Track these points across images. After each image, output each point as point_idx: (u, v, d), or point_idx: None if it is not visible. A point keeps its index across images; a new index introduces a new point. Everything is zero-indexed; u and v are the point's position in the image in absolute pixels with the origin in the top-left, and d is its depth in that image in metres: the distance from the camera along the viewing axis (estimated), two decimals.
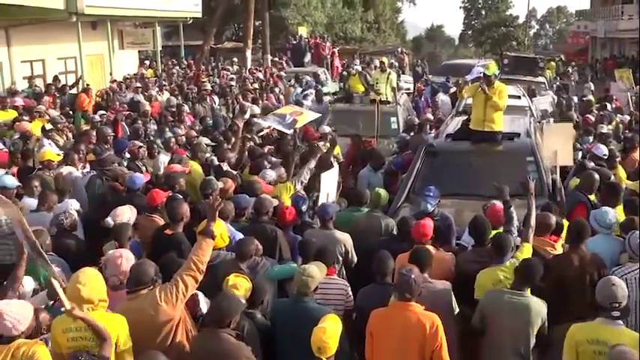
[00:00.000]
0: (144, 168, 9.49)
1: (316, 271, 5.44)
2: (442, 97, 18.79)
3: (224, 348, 4.63)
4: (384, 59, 16.72)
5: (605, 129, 12.13)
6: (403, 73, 27.54)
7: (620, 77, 18.86)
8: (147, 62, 26.53)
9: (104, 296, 4.69)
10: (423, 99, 19.17)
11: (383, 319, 5.14)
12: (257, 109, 14.00)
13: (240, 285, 5.19)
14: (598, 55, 43.01)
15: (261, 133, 11.94)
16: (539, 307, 5.41)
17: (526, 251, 6.03)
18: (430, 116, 15.02)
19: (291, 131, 9.96)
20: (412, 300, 5.04)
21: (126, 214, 6.99)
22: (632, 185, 8.24)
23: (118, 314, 4.70)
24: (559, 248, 6.47)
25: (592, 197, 7.97)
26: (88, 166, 9.51)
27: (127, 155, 9.96)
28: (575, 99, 17.99)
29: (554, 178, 9.18)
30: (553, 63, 25.67)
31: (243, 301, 4.95)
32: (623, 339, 4.64)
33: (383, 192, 8.15)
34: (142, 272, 4.99)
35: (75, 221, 6.99)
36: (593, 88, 22.07)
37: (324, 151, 9.91)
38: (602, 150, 9.72)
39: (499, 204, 6.96)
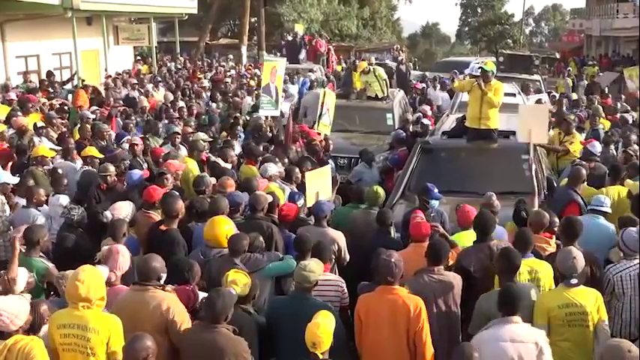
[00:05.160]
0: (145, 165, 9.47)
1: (316, 266, 5.49)
2: (440, 94, 18.88)
3: (223, 343, 4.66)
4: (364, 63, 16.46)
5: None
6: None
7: (629, 76, 19.05)
8: (139, 58, 26.45)
9: (102, 294, 4.69)
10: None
11: (370, 303, 5.29)
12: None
13: (239, 281, 5.22)
14: (593, 53, 43.01)
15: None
16: (532, 291, 5.46)
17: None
18: (427, 109, 15.10)
19: (278, 112, 10.70)
20: (395, 283, 5.23)
21: (124, 209, 6.99)
22: (632, 186, 8.23)
23: (113, 315, 4.70)
24: (553, 244, 6.51)
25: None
26: (79, 161, 9.47)
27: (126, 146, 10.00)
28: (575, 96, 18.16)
29: (550, 177, 9.22)
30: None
31: (234, 292, 4.97)
32: (589, 296, 5.25)
33: (379, 189, 8.14)
34: (150, 267, 5.06)
35: (84, 217, 6.96)
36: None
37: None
38: (597, 147, 9.74)
39: (469, 205, 7.04)
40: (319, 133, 11.72)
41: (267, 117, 12.35)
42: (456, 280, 5.72)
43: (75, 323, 4.53)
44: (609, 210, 7.14)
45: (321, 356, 4.59)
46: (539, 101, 15.90)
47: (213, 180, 8.10)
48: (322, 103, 12.22)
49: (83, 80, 18.16)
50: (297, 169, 8.85)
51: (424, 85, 20.46)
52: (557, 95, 18.13)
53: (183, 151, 10.04)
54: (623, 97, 18.48)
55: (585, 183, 8.10)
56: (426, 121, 13.01)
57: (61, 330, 4.55)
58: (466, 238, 6.67)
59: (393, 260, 5.24)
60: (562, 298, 5.25)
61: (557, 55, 40.81)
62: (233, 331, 4.75)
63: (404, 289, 5.29)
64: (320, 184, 8.26)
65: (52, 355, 4.57)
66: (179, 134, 10.65)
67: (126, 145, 10.10)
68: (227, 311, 4.76)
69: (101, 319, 4.59)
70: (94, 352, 4.52)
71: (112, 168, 8.41)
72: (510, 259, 5.48)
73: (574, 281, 5.29)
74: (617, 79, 23.87)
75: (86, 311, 4.55)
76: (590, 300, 5.25)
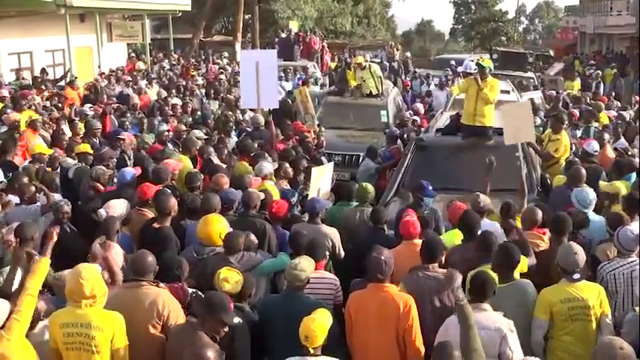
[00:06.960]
0: (131, 162, 9.42)
1: (307, 264, 5.47)
2: (435, 91, 18.96)
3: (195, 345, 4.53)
4: (361, 58, 16.53)
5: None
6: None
7: None
8: (133, 55, 26.37)
9: (105, 289, 4.72)
10: (409, 93, 19.47)
11: (360, 300, 5.31)
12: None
13: (231, 278, 5.22)
14: (587, 50, 43.05)
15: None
16: (529, 288, 5.43)
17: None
18: (420, 107, 15.14)
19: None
20: (385, 280, 5.24)
21: (119, 207, 6.94)
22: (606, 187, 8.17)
23: (115, 312, 4.69)
24: (547, 240, 6.50)
25: None
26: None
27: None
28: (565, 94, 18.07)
29: (543, 175, 9.21)
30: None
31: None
32: (591, 290, 5.28)
33: (369, 186, 8.11)
34: (147, 262, 5.09)
35: (69, 212, 6.95)
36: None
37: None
38: (594, 146, 9.58)
39: (460, 202, 7.02)
40: (309, 131, 11.71)
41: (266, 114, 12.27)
42: (454, 274, 5.64)
43: (78, 322, 4.54)
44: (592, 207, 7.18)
45: (312, 351, 4.57)
46: (531, 99, 15.91)
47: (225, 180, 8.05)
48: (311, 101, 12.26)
49: (75, 77, 18.09)
50: (286, 165, 8.84)
51: (433, 83, 20.53)
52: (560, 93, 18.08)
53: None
54: (612, 94, 18.52)
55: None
56: (417, 118, 13.08)
57: (64, 329, 4.55)
58: (457, 236, 6.65)
59: (382, 258, 5.24)
60: (564, 292, 5.26)
61: (552, 53, 40.83)
62: (211, 337, 4.67)
63: (394, 286, 5.28)
64: (323, 182, 8.28)
65: (55, 355, 4.61)
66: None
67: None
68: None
69: (104, 316, 4.61)
70: (99, 349, 4.54)
71: (104, 170, 8.38)
72: (509, 255, 5.45)
73: (576, 276, 5.29)
74: (613, 80, 23.94)
75: (88, 309, 4.56)
76: (592, 294, 5.26)
